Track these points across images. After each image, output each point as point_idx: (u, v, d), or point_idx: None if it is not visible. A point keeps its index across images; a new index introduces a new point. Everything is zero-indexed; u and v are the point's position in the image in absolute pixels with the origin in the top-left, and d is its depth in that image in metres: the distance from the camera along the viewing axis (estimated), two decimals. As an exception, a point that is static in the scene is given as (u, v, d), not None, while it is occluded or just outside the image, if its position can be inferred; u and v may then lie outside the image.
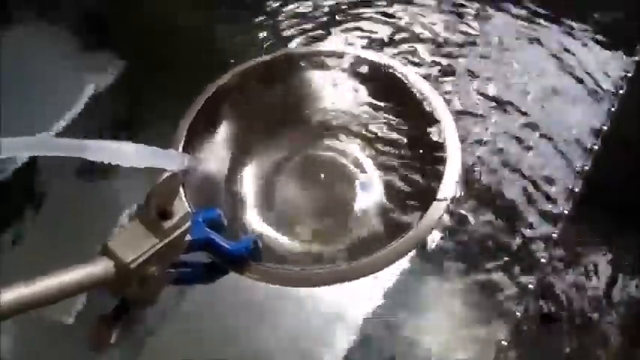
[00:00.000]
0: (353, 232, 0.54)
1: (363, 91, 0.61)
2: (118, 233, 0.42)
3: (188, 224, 0.43)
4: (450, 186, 0.53)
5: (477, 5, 0.67)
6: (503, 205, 0.53)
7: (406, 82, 0.59)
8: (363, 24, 0.66)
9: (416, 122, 0.58)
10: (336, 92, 0.62)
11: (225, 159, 0.58)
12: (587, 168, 0.54)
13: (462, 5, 0.67)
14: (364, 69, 0.61)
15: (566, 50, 0.62)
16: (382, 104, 0.60)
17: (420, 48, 0.63)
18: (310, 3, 0.68)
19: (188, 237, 0.45)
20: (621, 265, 0.51)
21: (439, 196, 0.52)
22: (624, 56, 0.61)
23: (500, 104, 0.59)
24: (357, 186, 0.56)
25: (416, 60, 0.62)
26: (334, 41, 0.65)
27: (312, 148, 0.59)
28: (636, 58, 0.61)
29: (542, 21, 0.65)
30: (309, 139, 0.59)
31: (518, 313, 0.47)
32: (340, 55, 0.62)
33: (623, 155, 0.57)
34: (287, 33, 0.65)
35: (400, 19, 0.66)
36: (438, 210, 0.52)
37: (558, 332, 0.48)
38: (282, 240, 0.53)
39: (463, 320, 0.48)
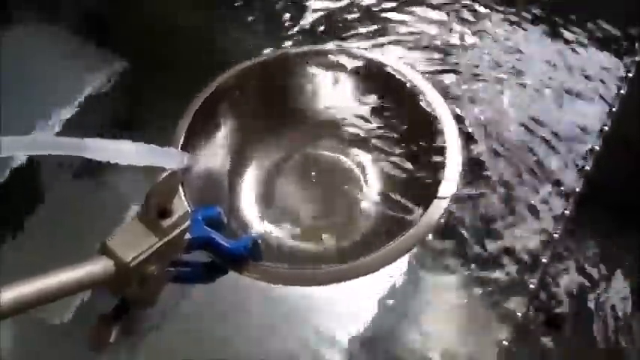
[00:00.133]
0: (353, 230, 0.54)
1: (362, 90, 0.61)
2: (117, 232, 0.42)
3: (187, 223, 0.43)
4: (450, 184, 0.53)
5: (476, 7, 0.67)
6: (504, 205, 0.53)
7: (406, 81, 0.59)
8: (363, 24, 0.66)
9: (416, 121, 0.58)
10: (335, 92, 0.62)
11: (225, 158, 0.58)
12: (587, 168, 0.54)
13: (463, 7, 0.67)
14: (364, 68, 0.61)
15: (566, 51, 0.62)
16: (382, 103, 0.60)
17: (421, 47, 0.63)
18: (310, 3, 0.68)
19: (187, 235, 0.45)
20: (622, 265, 0.51)
21: (439, 194, 0.52)
22: (624, 56, 0.61)
23: (501, 104, 0.59)
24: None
25: (416, 59, 0.62)
26: (334, 41, 0.65)
27: (312, 147, 0.59)
28: (636, 59, 0.61)
29: (542, 21, 0.65)
30: (309, 139, 0.60)
31: (518, 314, 0.47)
32: (340, 55, 0.62)
33: (623, 155, 0.57)
34: (287, 33, 0.65)
35: (400, 19, 0.66)
36: (438, 208, 0.52)
37: (559, 332, 0.48)
38: (281, 239, 0.53)
39: (464, 320, 0.48)
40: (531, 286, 0.48)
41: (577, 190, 0.53)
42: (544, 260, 0.50)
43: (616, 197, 0.55)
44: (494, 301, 0.48)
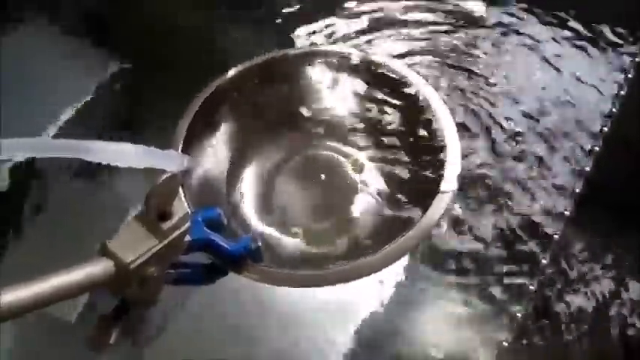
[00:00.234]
0: (354, 231, 0.54)
1: (362, 90, 0.61)
2: (117, 234, 0.42)
3: (187, 225, 0.43)
4: (450, 184, 0.53)
5: (476, 8, 0.66)
6: (504, 205, 0.53)
7: (406, 81, 0.59)
8: (363, 24, 0.66)
9: (416, 121, 0.58)
10: (335, 92, 0.62)
11: (225, 159, 0.58)
12: (588, 168, 0.54)
13: (461, 8, 0.67)
14: (364, 68, 0.61)
15: (566, 51, 0.62)
16: (382, 103, 0.60)
17: (421, 48, 0.63)
18: (310, 3, 0.68)
19: (187, 237, 0.45)
20: (622, 265, 0.50)
21: (440, 194, 0.52)
22: (625, 57, 0.61)
23: (501, 104, 0.59)
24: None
25: (416, 60, 0.62)
26: (334, 41, 0.65)
27: (312, 147, 0.59)
28: (636, 59, 0.61)
29: (542, 22, 0.65)
30: (309, 139, 0.59)
31: (519, 314, 0.47)
32: (340, 55, 0.62)
33: (623, 156, 0.57)
34: (287, 33, 0.65)
35: (401, 19, 0.66)
36: (438, 209, 0.52)
37: (559, 332, 0.47)
38: (282, 240, 0.53)
39: (464, 320, 0.48)
40: (531, 287, 0.48)
41: (577, 190, 0.53)
42: (544, 261, 0.50)
43: (616, 197, 0.55)
44: (495, 301, 0.48)
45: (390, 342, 0.47)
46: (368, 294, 0.49)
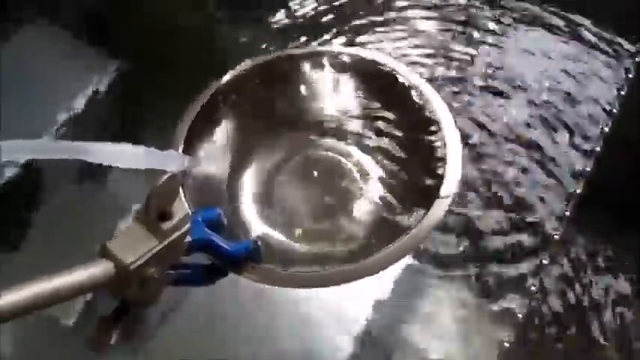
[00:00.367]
0: (354, 232, 0.53)
1: (363, 91, 0.61)
2: (117, 234, 0.42)
3: (188, 226, 0.43)
4: (451, 184, 0.53)
5: (476, 10, 0.66)
6: (505, 205, 0.53)
7: (406, 82, 0.59)
8: (363, 24, 0.66)
9: (416, 121, 0.58)
10: (335, 92, 0.61)
11: (225, 159, 0.58)
12: (588, 169, 0.54)
13: (460, 8, 0.67)
14: (364, 69, 0.61)
15: (566, 51, 0.62)
16: (382, 104, 0.60)
17: (421, 49, 0.63)
18: (310, 3, 0.68)
19: (188, 238, 0.45)
20: (622, 265, 0.51)
21: (441, 194, 0.52)
22: (625, 57, 0.61)
23: (501, 105, 0.59)
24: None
25: (417, 61, 0.62)
26: (334, 41, 0.64)
27: (312, 148, 0.59)
28: (636, 59, 0.61)
29: (541, 22, 0.65)
30: (309, 139, 0.59)
31: (519, 314, 0.47)
32: (340, 56, 0.62)
33: (624, 156, 0.57)
34: (287, 33, 0.65)
35: (402, 20, 0.66)
36: (439, 209, 0.52)
37: (560, 333, 0.48)
38: (282, 241, 0.53)
39: (465, 320, 0.48)
40: (533, 288, 0.48)
41: (578, 190, 0.53)
42: (544, 261, 0.50)
43: (616, 197, 0.55)
44: (495, 301, 0.48)
45: (390, 342, 0.47)
46: (368, 294, 0.49)
